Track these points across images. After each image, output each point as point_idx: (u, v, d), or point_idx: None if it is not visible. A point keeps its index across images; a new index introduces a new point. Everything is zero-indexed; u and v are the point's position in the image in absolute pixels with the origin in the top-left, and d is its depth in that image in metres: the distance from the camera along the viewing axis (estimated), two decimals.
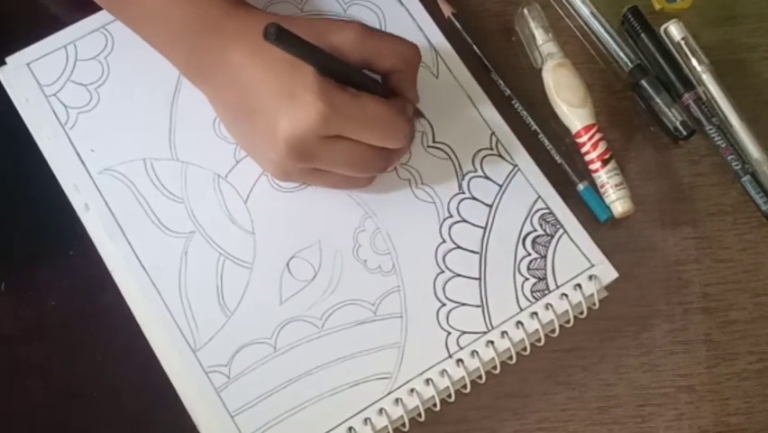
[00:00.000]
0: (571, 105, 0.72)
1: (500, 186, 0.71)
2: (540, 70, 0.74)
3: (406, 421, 0.66)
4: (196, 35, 0.65)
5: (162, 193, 0.70)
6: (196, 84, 0.68)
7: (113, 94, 0.73)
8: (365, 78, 0.66)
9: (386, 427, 0.66)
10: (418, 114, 0.72)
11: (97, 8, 0.73)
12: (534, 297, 0.68)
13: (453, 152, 0.71)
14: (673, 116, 0.72)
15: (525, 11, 0.75)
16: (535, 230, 0.69)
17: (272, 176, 0.69)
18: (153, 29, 0.67)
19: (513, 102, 0.74)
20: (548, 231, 0.69)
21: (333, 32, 0.64)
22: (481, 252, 0.69)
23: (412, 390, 0.66)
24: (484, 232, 0.70)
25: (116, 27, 0.74)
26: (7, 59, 0.73)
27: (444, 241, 0.69)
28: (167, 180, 0.71)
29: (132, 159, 0.71)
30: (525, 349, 0.68)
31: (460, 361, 0.67)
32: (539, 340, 0.68)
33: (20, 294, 0.70)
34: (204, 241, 0.69)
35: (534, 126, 0.73)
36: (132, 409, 0.69)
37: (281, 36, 0.58)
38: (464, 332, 0.67)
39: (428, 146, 0.71)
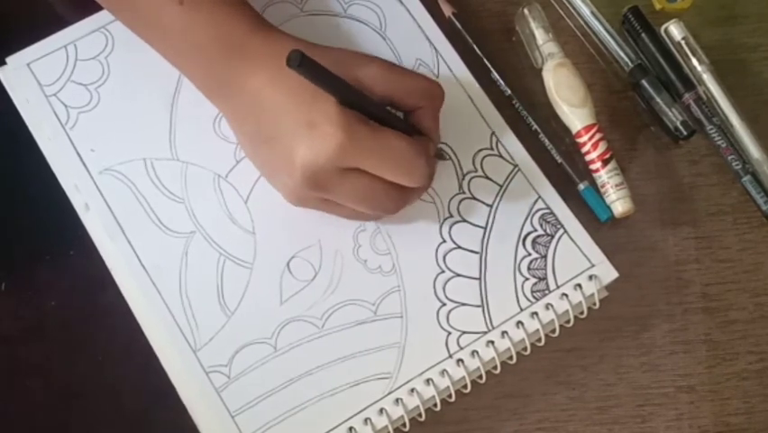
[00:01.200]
0: (572, 105, 0.72)
1: (501, 186, 0.71)
2: (540, 70, 0.74)
3: (407, 421, 0.66)
4: (217, 56, 0.64)
5: (162, 193, 0.70)
6: (215, 103, 0.68)
7: (113, 94, 0.73)
8: (387, 114, 0.65)
9: (386, 427, 0.66)
10: (440, 156, 0.71)
11: (97, 8, 0.73)
12: (534, 297, 0.68)
13: (454, 151, 0.71)
14: (674, 116, 0.72)
15: (526, 11, 0.75)
16: (536, 230, 0.69)
17: (287, 200, 0.68)
18: (173, 48, 0.67)
19: (513, 102, 0.74)
20: (548, 231, 0.69)
21: (358, 65, 0.64)
22: (482, 252, 0.69)
23: (412, 390, 0.66)
24: (484, 232, 0.70)
25: (116, 27, 0.74)
26: (8, 60, 0.73)
27: (445, 241, 0.69)
28: (167, 180, 0.71)
29: (132, 159, 0.71)
30: (525, 349, 0.68)
31: (460, 361, 0.67)
32: (539, 340, 0.68)
33: (20, 294, 0.70)
34: (204, 241, 0.69)
35: (535, 126, 0.73)
36: (132, 409, 0.69)
37: (304, 63, 0.57)
38: (464, 332, 0.67)
39: None
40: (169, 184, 0.71)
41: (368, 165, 0.62)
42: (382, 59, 0.66)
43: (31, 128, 0.72)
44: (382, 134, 0.62)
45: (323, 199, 0.65)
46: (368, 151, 0.61)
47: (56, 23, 0.74)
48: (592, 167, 0.72)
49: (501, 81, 0.74)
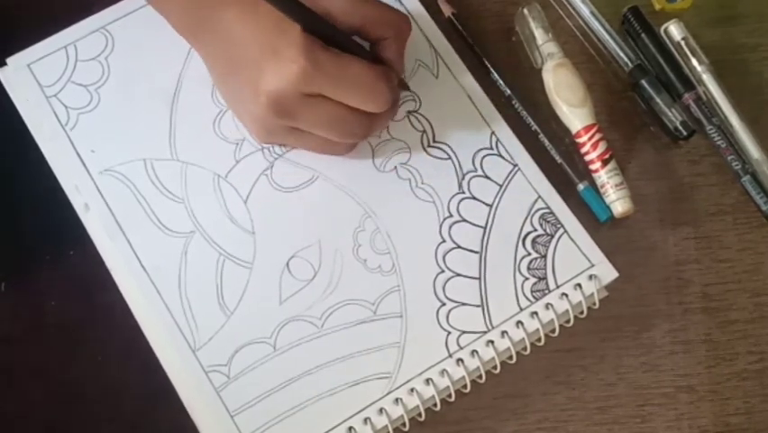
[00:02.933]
0: (571, 105, 0.72)
1: (500, 185, 0.71)
2: (540, 70, 0.74)
3: (407, 421, 0.66)
4: None
5: (162, 193, 0.70)
6: (190, 41, 0.69)
7: (113, 94, 0.73)
8: (353, 44, 0.66)
9: (386, 426, 0.66)
10: (403, 85, 0.72)
11: (97, 9, 0.73)
12: (534, 296, 0.68)
13: (453, 151, 0.71)
14: (673, 116, 0.72)
15: (526, 11, 0.75)
16: (535, 230, 0.69)
17: (256, 136, 0.69)
18: None
19: (513, 102, 0.74)
20: (548, 231, 0.69)
21: None
22: (481, 251, 0.69)
23: (412, 389, 0.66)
24: (484, 231, 0.70)
25: (117, 28, 0.74)
26: (8, 60, 0.73)
27: (444, 240, 0.69)
28: (167, 180, 0.71)
29: (132, 159, 0.71)
30: (525, 349, 0.68)
31: (460, 360, 0.67)
32: (539, 340, 0.68)
33: (20, 294, 0.70)
34: (204, 241, 0.69)
35: (535, 126, 0.73)
36: (132, 409, 0.68)
37: None
38: (464, 332, 0.67)
39: (428, 146, 0.72)
40: (169, 184, 0.71)
41: (330, 90, 0.63)
42: None
43: (31, 129, 0.72)
44: (344, 60, 0.63)
45: (290, 129, 0.67)
46: (330, 76, 0.63)
47: (56, 24, 0.74)
48: (592, 167, 0.72)
49: (501, 81, 0.74)
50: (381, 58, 0.67)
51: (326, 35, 0.63)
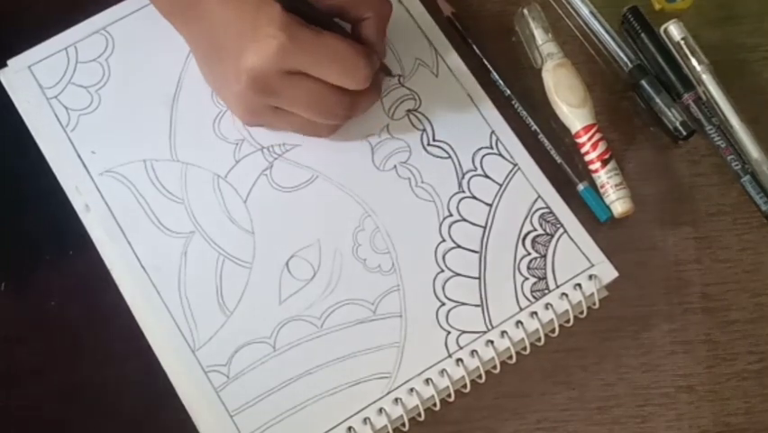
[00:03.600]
0: (571, 106, 0.72)
1: (500, 185, 0.71)
2: (540, 70, 0.74)
3: (406, 421, 0.66)
4: None
5: (162, 194, 0.70)
6: (176, 27, 0.70)
7: (113, 96, 0.73)
8: (333, 24, 0.66)
9: (385, 426, 0.66)
10: (386, 71, 0.72)
11: (98, 10, 0.74)
12: (533, 296, 0.68)
13: (453, 150, 0.71)
14: (673, 116, 0.72)
15: (525, 11, 0.75)
16: (535, 229, 0.69)
17: (240, 117, 0.70)
18: None
19: (513, 102, 0.74)
20: (548, 230, 0.69)
21: None
22: (481, 251, 0.69)
23: (411, 389, 0.66)
24: (484, 231, 0.70)
25: (117, 29, 0.74)
26: (8, 62, 0.74)
27: (444, 240, 0.69)
28: (167, 181, 0.71)
29: (132, 160, 0.71)
30: (525, 349, 0.68)
31: (459, 360, 0.67)
32: (539, 340, 0.68)
33: (20, 294, 0.70)
34: (203, 241, 0.69)
35: (534, 126, 0.73)
36: (132, 409, 0.68)
37: None
38: (464, 331, 0.67)
39: (428, 145, 0.72)
40: (169, 185, 0.71)
41: (309, 67, 0.64)
42: None
43: (32, 130, 0.72)
44: (323, 36, 0.64)
45: (273, 109, 0.67)
46: (309, 52, 0.63)
47: (56, 26, 0.74)
48: (592, 167, 0.72)
49: (501, 81, 0.74)
50: (362, 38, 0.68)
51: (307, 15, 0.64)
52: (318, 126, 0.69)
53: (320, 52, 0.64)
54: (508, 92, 0.74)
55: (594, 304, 0.69)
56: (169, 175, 0.71)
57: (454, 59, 0.74)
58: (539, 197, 0.70)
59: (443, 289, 0.68)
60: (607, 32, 0.75)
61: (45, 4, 0.77)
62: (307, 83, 0.65)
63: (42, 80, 0.73)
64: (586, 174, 0.72)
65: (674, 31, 0.75)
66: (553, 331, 0.68)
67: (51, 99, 0.73)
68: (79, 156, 0.71)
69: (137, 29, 0.74)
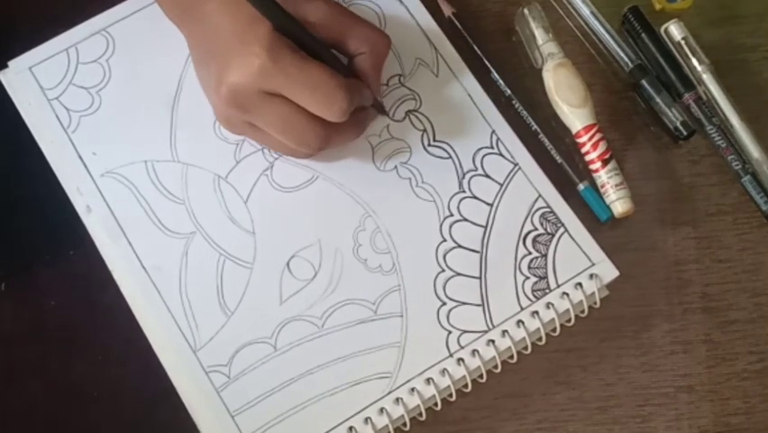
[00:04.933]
0: (572, 105, 0.72)
1: (501, 184, 0.71)
2: (540, 70, 0.74)
3: (407, 421, 0.66)
4: None
5: (163, 195, 0.70)
6: (178, 26, 0.70)
7: (114, 97, 0.73)
8: (327, 54, 0.66)
9: (386, 426, 0.66)
10: (379, 108, 0.72)
11: (98, 11, 0.74)
12: (534, 296, 0.68)
13: (454, 150, 0.71)
14: (673, 116, 0.72)
15: (526, 11, 0.75)
16: (536, 229, 0.69)
17: (220, 125, 0.70)
18: None
19: (513, 102, 0.74)
20: (549, 230, 0.69)
21: (306, 1, 0.66)
22: (482, 250, 0.69)
23: (412, 389, 0.66)
24: (484, 231, 0.70)
25: (117, 29, 0.74)
26: (9, 63, 0.74)
27: (445, 240, 0.69)
28: (168, 182, 0.71)
29: (133, 161, 0.71)
30: (526, 348, 0.68)
31: (460, 360, 0.67)
32: (540, 339, 0.68)
33: (20, 294, 0.70)
34: (204, 241, 0.69)
35: (535, 126, 0.73)
36: (132, 409, 0.68)
37: None
38: (465, 331, 0.67)
39: (428, 145, 0.72)
40: (170, 185, 0.71)
41: (288, 91, 0.63)
42: (334, 2, 0.67)
43: (33, 131, 0.72)
44: (307, 63, 0.63)
45: (249, 124, 0.67)
46: (289, 76, 0.63)
47: (57, 27, 0.74)
48: (592, 167, 0.72)
49: (501, 81, 0.74)
50: (357, 73, 0.68)
51: (300, 40, 0.64)
52: (294, 149, 0.69)
53: (300, 78, 0.63)
54: (509, 92, 0.74)
55: (595, 303, 0.69)
56: (169, 176, 0.71)
57: (455, 59, 0.74)
58: (540, 196, 0.70)
59: (444, 288, 0.68)
60: (607, 31, 0.75)
61: (46, 6, 0.77)
62: (284, 107, 0.64)
63: (43, 81, 0.73)
64: (586, 174, 0.72)
65: (675, 30, 0.75)
66: (554, 330, 0.68)
67: (52, 100, 0.73)
68: (80, 157, 0.71)
69: (138, 30, 0.74)
